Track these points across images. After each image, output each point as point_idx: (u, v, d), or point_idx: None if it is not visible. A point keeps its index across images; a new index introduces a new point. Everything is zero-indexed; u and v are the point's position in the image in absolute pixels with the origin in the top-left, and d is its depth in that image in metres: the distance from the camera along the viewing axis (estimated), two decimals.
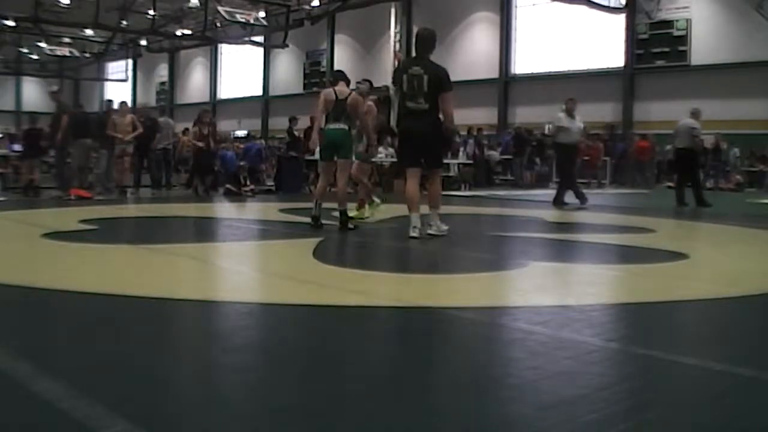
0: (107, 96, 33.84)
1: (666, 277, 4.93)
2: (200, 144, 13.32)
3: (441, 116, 6.52)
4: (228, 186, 13.49)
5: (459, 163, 18.17)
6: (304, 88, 32.93)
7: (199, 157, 13.55)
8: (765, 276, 5.03)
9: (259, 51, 34.94)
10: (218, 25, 29.56)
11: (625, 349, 2.96)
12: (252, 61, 36.66)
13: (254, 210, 10.82)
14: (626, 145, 21.63)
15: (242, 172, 14.17)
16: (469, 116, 22.30)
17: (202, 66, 40.62)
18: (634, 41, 23.56)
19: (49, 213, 9.26)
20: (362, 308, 3.73)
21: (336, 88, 7.39)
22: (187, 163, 14.08)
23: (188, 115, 24.11)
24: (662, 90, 22.66)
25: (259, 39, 30.25)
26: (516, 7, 26.73)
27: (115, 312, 3.53)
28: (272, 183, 15.36)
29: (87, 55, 34.30)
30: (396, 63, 7.67)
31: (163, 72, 42.87)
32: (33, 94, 42.59)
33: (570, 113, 11.21)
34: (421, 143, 6.52)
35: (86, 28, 27.71)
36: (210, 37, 29.28)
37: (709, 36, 22.05)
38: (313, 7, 26.58)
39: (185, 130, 18.02)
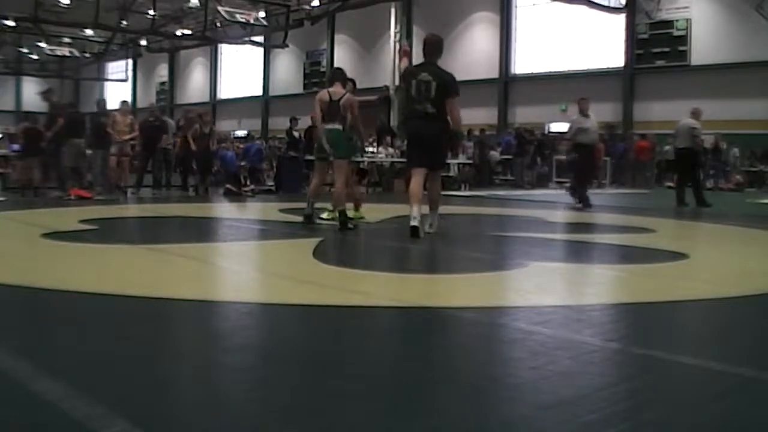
0: (108, 96, 33.79)
1: (666, 277, 4.93)
2: (192, 144, 13.21)
3: (449, 119, 6.69)
4: (228, 186, 13.49)
5: (459, 163, 18.15)
6: (304, 88, 32.87)
7: (197, 156, 13.50)
8: (765, 276, 5.02)
9: (259, 51, 34.91)
10: (218, 25, 29.52)
11: (625, 349, 2.95)
12: (252, 61, 36.62)
13: (254, 210, 10.83)
14: (626, 145, 21.61)
15: (242, 172, 14.17)
16: (469, 116, 22.15)
17: (202, 66, 40.58)
18: (634, 41, 23.53)
19: (48, 213, 9.25)
20: (362, 308, 3.72)
21: (330, 89, 7.55)
22: (183, 164, 14.04)
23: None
24: (662, 90, 22.64)
25: (259, 39, 30.23)
26: (516, 7, 26.70)
27: (115, 312, 3.53)
28: (272, 183, 15.38)
29: (87, 55, 34.26)
30: (403, 58, 7.77)
31: (163, 72, 42.83)
32: (33, 94, 42.49)
33: (584, 113, 11.17)
34: (429, 147, 6.68)
35: (86, 28, 27.69)
36: (210, 37, 29.25)
37: (709, 36, 22.03)
38: (313, 7, 26.54)
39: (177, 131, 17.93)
